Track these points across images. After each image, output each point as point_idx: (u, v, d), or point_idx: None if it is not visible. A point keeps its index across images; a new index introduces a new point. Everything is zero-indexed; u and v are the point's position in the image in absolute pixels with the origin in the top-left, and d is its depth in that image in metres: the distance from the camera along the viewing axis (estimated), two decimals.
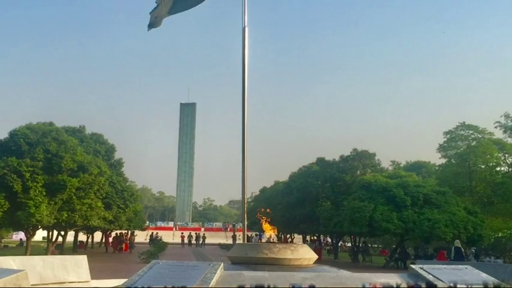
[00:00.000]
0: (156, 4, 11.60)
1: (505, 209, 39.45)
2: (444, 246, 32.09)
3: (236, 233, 69.18)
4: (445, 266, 6.61)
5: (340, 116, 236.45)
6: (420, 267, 6.42)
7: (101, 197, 31.42)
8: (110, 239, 44.79)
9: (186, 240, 60.35)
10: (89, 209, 29.19)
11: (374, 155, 40.27)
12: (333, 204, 34.77)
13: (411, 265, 6.74)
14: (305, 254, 8.41)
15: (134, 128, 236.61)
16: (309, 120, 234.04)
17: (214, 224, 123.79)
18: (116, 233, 45.36)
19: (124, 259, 31.68)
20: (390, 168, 50.71)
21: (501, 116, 45.61)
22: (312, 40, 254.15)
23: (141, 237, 58.73)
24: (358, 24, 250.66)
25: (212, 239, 69.22)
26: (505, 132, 46.58)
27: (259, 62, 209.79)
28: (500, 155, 48.13)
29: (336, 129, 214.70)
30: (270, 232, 60.35)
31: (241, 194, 11.24)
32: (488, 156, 46.69)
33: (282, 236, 57.60)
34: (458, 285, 5.45)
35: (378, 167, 40.19)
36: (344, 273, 7.17)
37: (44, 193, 26.13)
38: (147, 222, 77.95)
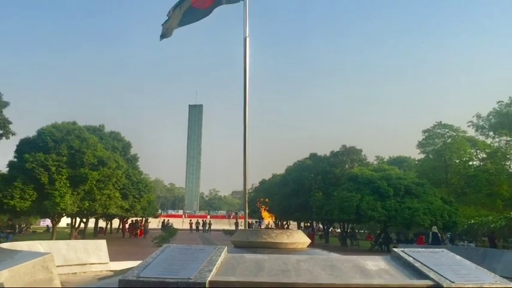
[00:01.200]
0: (167, 17, 11.61)
1: (477, 198, 39.50)
2: (423, 232, 32.10)
3: (238, 220, 69.18)
4: (423, 249, 6.61)
5: (331, 116, 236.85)
6: (402, 251, 6.41)
7: (119, 188, 31.46)
8: (127, 226, 44.87)
9: (194, 227, 60.33)
10: (108, 199, 29.24)
11: (361, 150, 40.34)
12: (324, 194, 34.79)
13: (393, 248, 6.74)
14: (299, 238, 8.41)
15: (148, 126, 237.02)
16: (304, 120, 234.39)
17: (219, 212, 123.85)
18: (132, 220, 45.42)
19: (139, 243, 31.71)
20: (375, 162, 50.76)
21: (473, 116, 45.66)
22: (307, 48, 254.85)
23: (154, 224, 58.72)
24: (349, 34, 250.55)
25: (217, 225, 69.16)
26: (476, 130, 46.69)
27: (259, 67, 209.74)
28: (472, 150, 48.23)
29: (327, 128, 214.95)
30: (268, 219, 60.32)
31: (242, 185, 11.26)
32: (462, 152, 46.81)
33: (279, 222, 57.63)
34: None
35: (364, 162, 40.23)
36: (334, 255, 7.17)
37: (68, 185, 26.18)
38: (159, 210, 77.89)
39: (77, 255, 10.90)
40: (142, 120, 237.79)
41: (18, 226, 43.18)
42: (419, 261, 5.84)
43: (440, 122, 50.95)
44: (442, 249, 6.64)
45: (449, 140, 48.32)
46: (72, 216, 31.19)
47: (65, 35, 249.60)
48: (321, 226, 49.62)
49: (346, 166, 38.62)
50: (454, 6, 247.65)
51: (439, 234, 26.30)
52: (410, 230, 37.95)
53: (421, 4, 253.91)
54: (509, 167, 46.85)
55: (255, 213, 57.56)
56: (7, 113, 27.39)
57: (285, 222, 57.64)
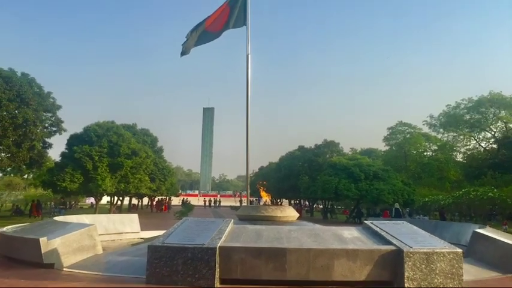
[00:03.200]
0: (186, 38, 11.62)
1: (430, 181, 39.58)
2: (387, 208, 32.02)
3: (242, 198, 69.32)
4: (388, 221, 6.64)
5: (315, 116, 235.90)
6: (371, 222, 6.43)
7: (148, 173, 31.43)
8: (154, 203, 44.92)
9: (207, 204, 60.49)
10: (139, 182, 29.21)
11: (338, 143, 40.16)
12: (310, 178, 34.75)
13: (364, 221, 6.77)
14: (290, 213, 8.43)
15: (171, 124, 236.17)
16: (294, 119, 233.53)
17: (227, 192, 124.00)
18: (158, 198, 45.47)
19: (164, 217, 31.70)
20: (350, 153, 50.65)
21: (427, 117, 46.00)
22: (298, 61, 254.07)
23: (176, 201, 58.67)
24: (331, 50, 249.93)
25: (225, 202, 69.21)
26: (430, 128, 47.03)
27: (259, 77, 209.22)
28: (426, 144, 48.33)
29: (312, 125, 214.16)
30: (266, 198, 60.38)
31: (245, 170, 11.30)
32: (418, 144, 46.92)
33: (274, 200, 57.70)
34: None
35: (341, 152, 40.09)
36: (317, 226, 7.19)
37: (108, 170, 26.15)
38: (180, 190, 77.63)
39: (114, 226, 10.95)
40: (166, 119, 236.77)
41: (68, 203, 43.24)
42: (384, 231, 5.86)
43: (401, 121, 51.08)
44: (402, 222, 6.66)
45: (408, 136, 48.35)
46: (111, 195, 31.20)
47: (105, 53, 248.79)
48: (307, 203, 49.71)
49: (327, 156, 38.53)
50: (415, 28, 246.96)
51: (400, 210, 26.33)
52: (377, 206, 37.87)
53: (389, 27, 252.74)
54: (455, 157, 47.01)
55: (255, 193, 57.58)
56: (60, 114, 27.35)
57: (278, 200, 57.67)
